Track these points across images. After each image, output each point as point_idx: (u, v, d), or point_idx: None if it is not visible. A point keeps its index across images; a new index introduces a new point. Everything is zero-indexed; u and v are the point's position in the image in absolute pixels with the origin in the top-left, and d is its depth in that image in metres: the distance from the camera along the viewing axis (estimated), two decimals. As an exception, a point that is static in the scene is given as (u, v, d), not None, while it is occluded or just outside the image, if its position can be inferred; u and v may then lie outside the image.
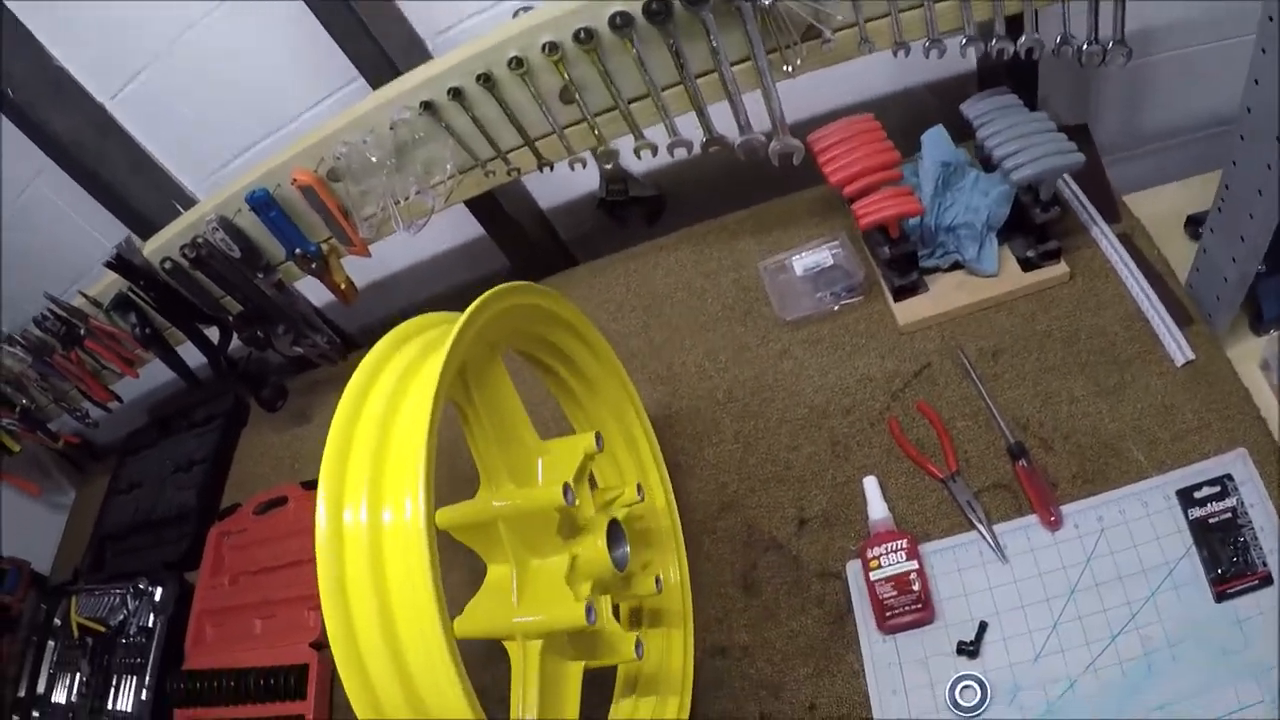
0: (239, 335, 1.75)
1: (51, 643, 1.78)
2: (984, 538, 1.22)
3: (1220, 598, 1.08)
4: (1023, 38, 1.28)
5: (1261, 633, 1.05)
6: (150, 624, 1.70)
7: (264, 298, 1.67)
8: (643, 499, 1.24)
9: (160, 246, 1.64)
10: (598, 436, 1.14)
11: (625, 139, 1.48)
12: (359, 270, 1.75)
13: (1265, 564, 1.08)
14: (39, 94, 1.66)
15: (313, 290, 1.78)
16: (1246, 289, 1.25)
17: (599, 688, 1.10)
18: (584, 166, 1.53)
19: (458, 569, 1.08)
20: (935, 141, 1.45)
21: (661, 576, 1.25)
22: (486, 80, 1.39)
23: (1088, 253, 1.42)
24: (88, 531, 2.06)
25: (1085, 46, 1.24)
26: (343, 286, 1.71)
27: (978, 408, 1.34)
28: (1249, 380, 1.25)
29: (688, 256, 1.75)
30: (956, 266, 1.46)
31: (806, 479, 1.39)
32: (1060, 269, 1.39)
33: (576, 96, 1.41)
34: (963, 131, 1.44)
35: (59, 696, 1.72)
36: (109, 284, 1.73)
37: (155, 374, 2.01)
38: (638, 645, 1.07)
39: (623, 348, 1.59)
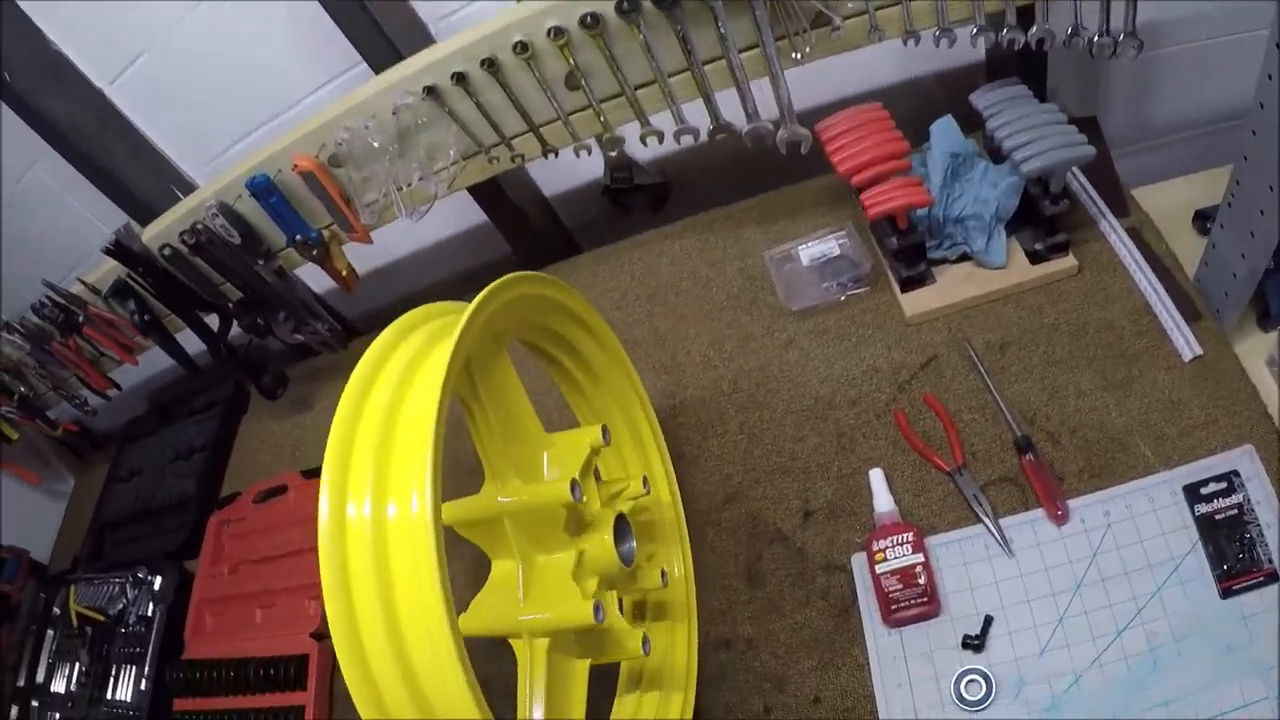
0: (239, 322, 1.76)
1: (51, 632, 1.80)
2: (990, 531, 1.23)
3: (1226, 594, 1.09)
4: (1034, 28, 1.28)
5: (1266, 629, 1.06)
6: (150, 613, 1.71)
7: (264, 284, 1.68)
8: (648, 492, 1.25)
9: (159, 233, 1.65)
10: (604, 430, 1.15)
11: (631, 126, 1.48)
12: (360, 257, 1.76)
13: (1271, 561, 1.10)
14: (37, 79, 1.66)
15: (314, 277, 1.80)
16: (1255, 285, 1.26)
17: (600, 682, 1.11)
18: (589, 154, 1.53)
19: (456, 559, 1.08)
20: (944, 132, 1.45)
21: (666, 570, 1.26)
22: (491, 65, 1.39)
23: (1096, 246, 1.43)
24: (87, 520, 2.08)
25: (1096, 38, 1.25)
26: (344, 273, 1.72)
27: (984, 400, 1.35)
28: (1256, 377, 1.26)
29: (693, 245, 1.76)
30: (964, 258, 1.47)
31: (812, 470, 1.40)
32: (1068, 262, 1.40)
33: (582, 82, 1.42)
34: (971, 122, 1.44)
35: (58, 686, 1.74)
36: (108, 271, 1.74)
37: (155, 361, 2.03)
38: (645, 642, 1.08)
39: (626, 336, 1.60)
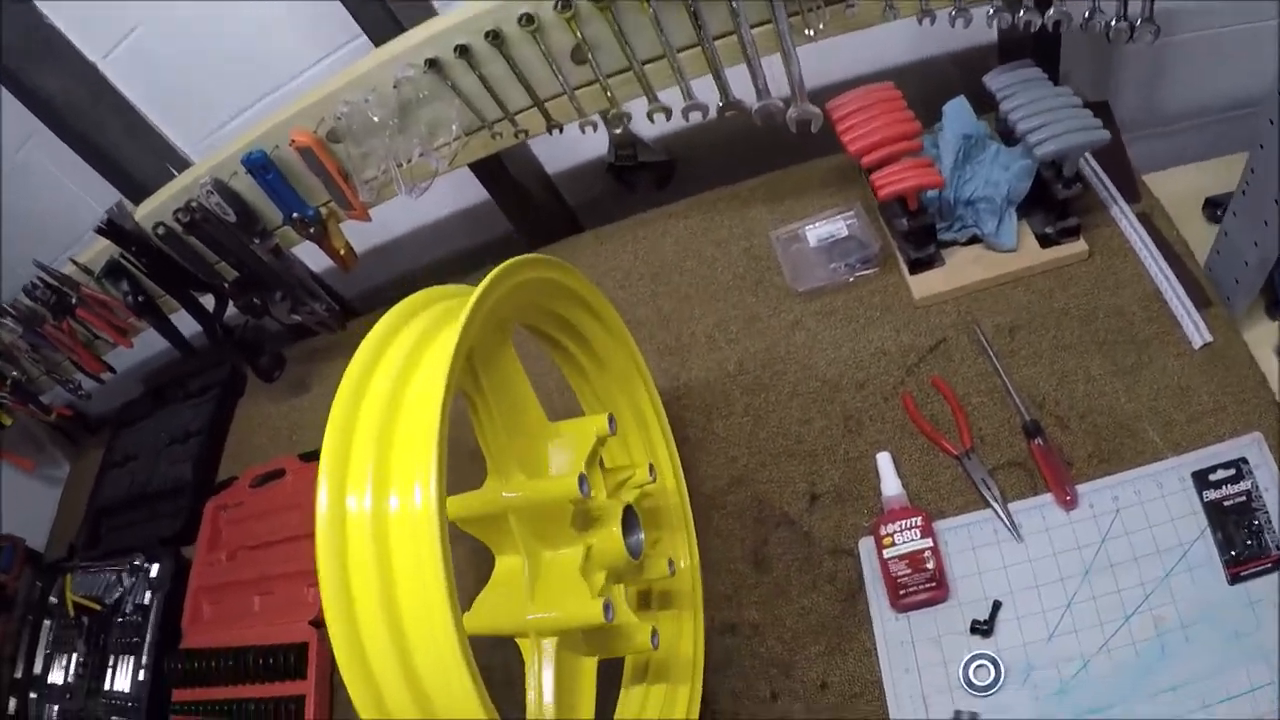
0: (235, 303, 1.77)
1: (48, 622, 1.82)
2: (999, 516, 1.26)
3: (1234, 580, 1.13)
4: (1051, 10, 1.30)
5: (1274, 615, 1.10)
6: (146, 601, 1.73)
7: (260, 263, 1.69)
8: (654, 480, 1.27)
9: (153, 211, 1.67)
10: (611, 419, 1.15)
11: (637, 102, 1.49)
12: (358, 235, 1.77)
13: (1278, 547, 1.13)
14: (29, 53, 1.67)
15: (311, 256, 1.81)
16: (1267, 273, 1.29)
17: (603, 672, 1.12)
18: (594, 130, 1.54)
19: (456, 544, 1.06)
20: (957, 113, 1.47)
21: (673, 559, 1.28)
22: (495, 37, 1.40)
23: (1106, 231, 1.45)
24: (83, 506, 2.10)
25: (1114, 22, 1.26)
26: (342, 252, 1.73)
27: (993, 384, 1.38)
28: (1265, 364, 1.30)
29: (698, 224, 1.78)
30: (974, 240, 1.49)
31: (818, 454, 1.43)
32: (1079, 246, 1.43)
33: (589, 56, 1.43)
34: (982, 103, 1.47)
35: (56, 677, 1.76)
36: (100, 250, 1.76)
37: (149, 343, 2.04)
38: (653, 635, 1.09)
39: (630, 317, 1.61)
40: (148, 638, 1.69)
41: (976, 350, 1.42)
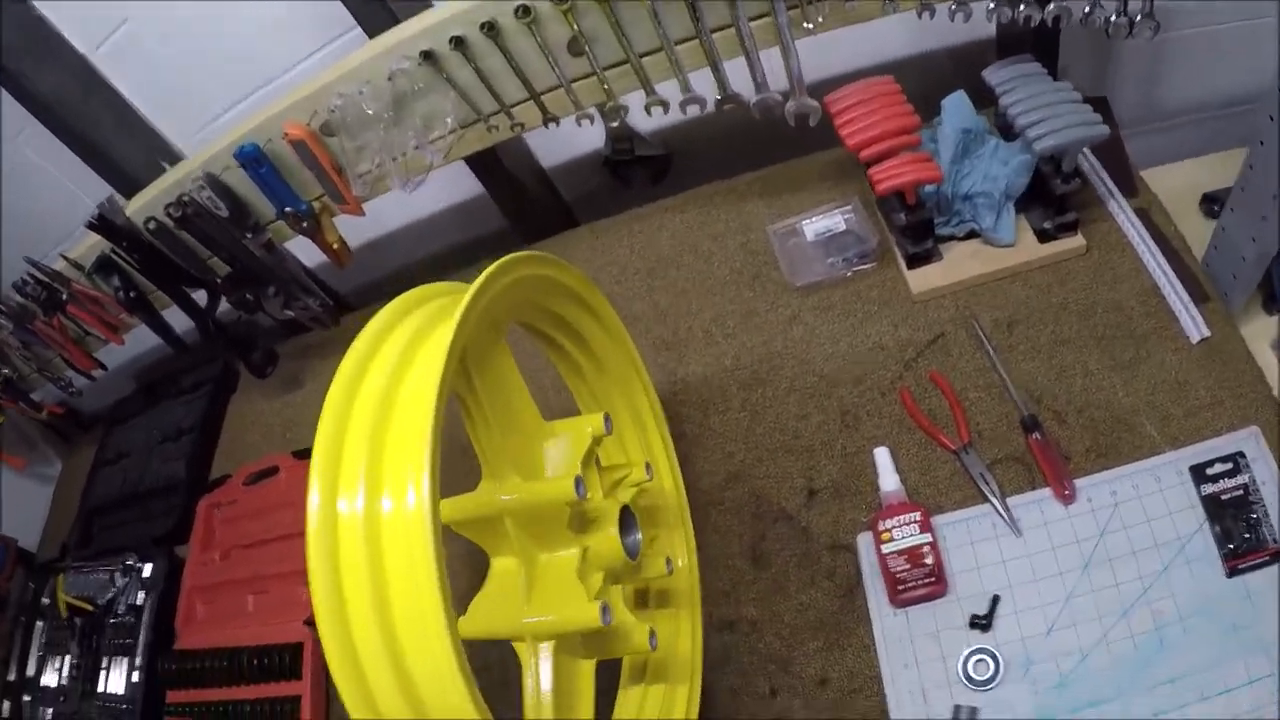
0: (227, 298, 1.77)
1: (40, 623, 1.82)
2: (997, 510, 1.27)
3: (1232, 573, 1.15)
4: (1051, 5, 1.30)
5: (1272, 607, 1.12)
6: (139, 602, 1.74)
7: (253, 259, 1.70)
8: (651, 478, 1.27)
9: (144, 205, 1.67)
10: (606, 418, 1.15)
11: (635, 95, 1.50)
12: (352, 230, 1.78)
13: (1276, 540, 1.15)
14: (19, 46, 1.66)
15: (304, 251, 1.82)
16: (1264, 269, 1.31)
17: (601, 672, 1.12)
18: (591, 123, 1.55)
19: (450, 542, 1.03)
20: (957, 107, 1.49)
21: (671, 557, 1.29)
22: (491, 29, 1.41)
23: (1104, 226, 1.47)
24: (75, 505, 2.10)
25: (1114, 18, 1.27)
26: (335, 247, 1.73)
27: (991, 379, 1.39)
28: (1262, 359, 1.32)
29: (694, 218, 1.79)
30: (972, 235, 1.51)
31: (816, 449, 1.44)
32: (1077, 241, 1.44)
33: (586, 48, 1.43)
34: (981, 98, 1.48)
35: (49, 679, 1.77)
36: (91, 246, 1.76)
37: (141, 340, 2.04)
38: (651, 636, 1.09)
39: (626, 312, 1.62)
40: (141, 638, 1.69)
41: (974, 345, 1.43)
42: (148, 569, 1.77)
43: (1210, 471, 1.21)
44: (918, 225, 1.47)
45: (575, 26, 1.40)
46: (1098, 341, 1.37)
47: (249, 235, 1.67)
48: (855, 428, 1.43)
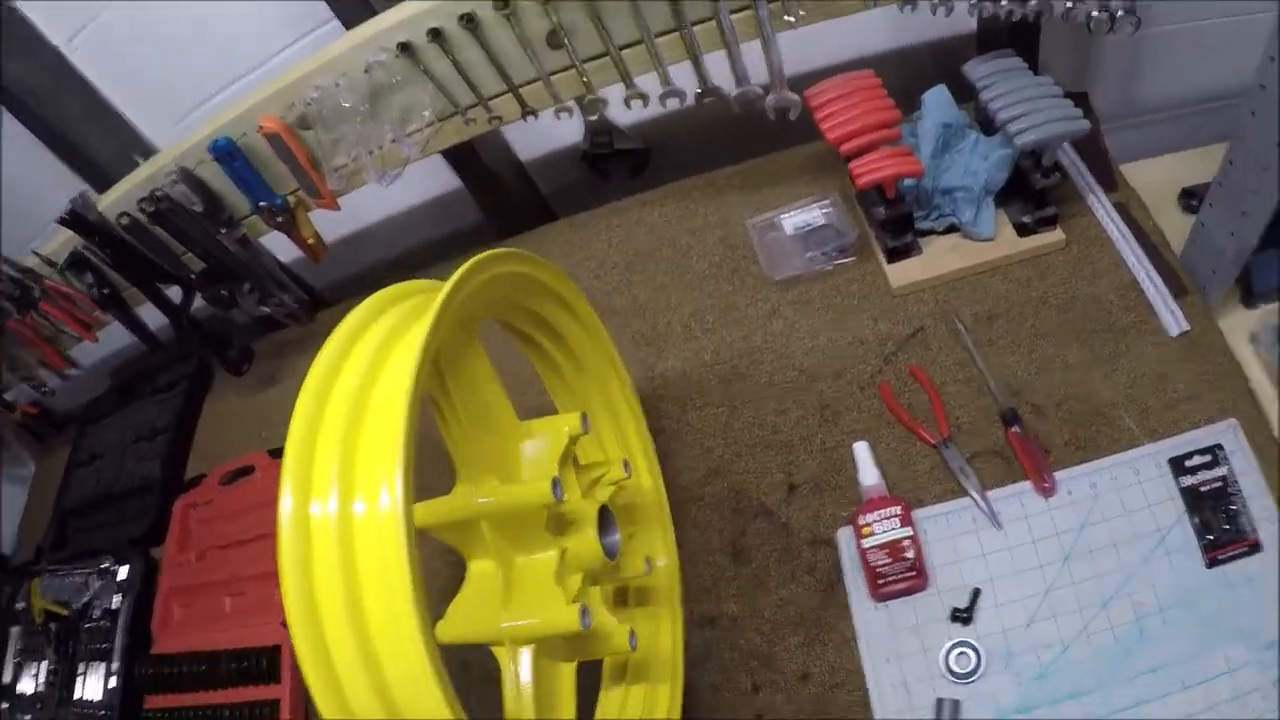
0: (202, 295, 1.76)
1: (15, 629, 1.80)
2: (977, 504, 1.28)
3: (1211, 564, 1.17)
4: (1032, 0, 1.31)
5: (1251, 598, 1.14)
6: (115, 606, 1.71)
7: (227, 254, 1.69)
8: (629, 476, 1.26)
9: (117, 200, 1.66)
10: (583, 417, 1.14)
11: (614, 88, 1.50)
12: (328, 224, 1.77)
13: (1255, 531, 1.17)
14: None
15: (279, 246, 1.81)
16: (1243, 263, 1.32)
17: (581, 673, 1.10)
18: (570, 116, 1.55)
19: (428, 543, 1.01)
20: (937, 102, 1.50)
21: (650, 556, 1.28)
22: (469, 21, 1.40)
23: (1084, 221, 1.48)
24: (50, 507, 2.07)
25: (1094, 13, 1.28)
26: (310, 242, 1.73)
27: (970, 373, 1.40)
28: (1239, 352, 1.34)
29: (673, 212, 1.79)
30: (952, 229, 1.52)
31: (795, 444, 1.44)
32: (1056, 235, 1.46)
33: (565, 41, 1.43)
34: (961, 93, 1.49)
35: (26, 686, 1.74)
36: (64, 242, 1.74)
37: (115, 337, 2.03)
38: (631, 636, 1.08)
39: (604, 306, 1.63)
40: (117, 643, 1.67)
41: (954, 339, 1.44)
42: (123, 572, 1.75)
43: (1189, 464, 1.23)
44: (897, 219, 1.48)
45: (554, 18, 1.40)
46: (1077, 335, 1.38)
47: (223, 230, 1.66)
48: (835, 422, 1.44)
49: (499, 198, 1.99)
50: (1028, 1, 1.31)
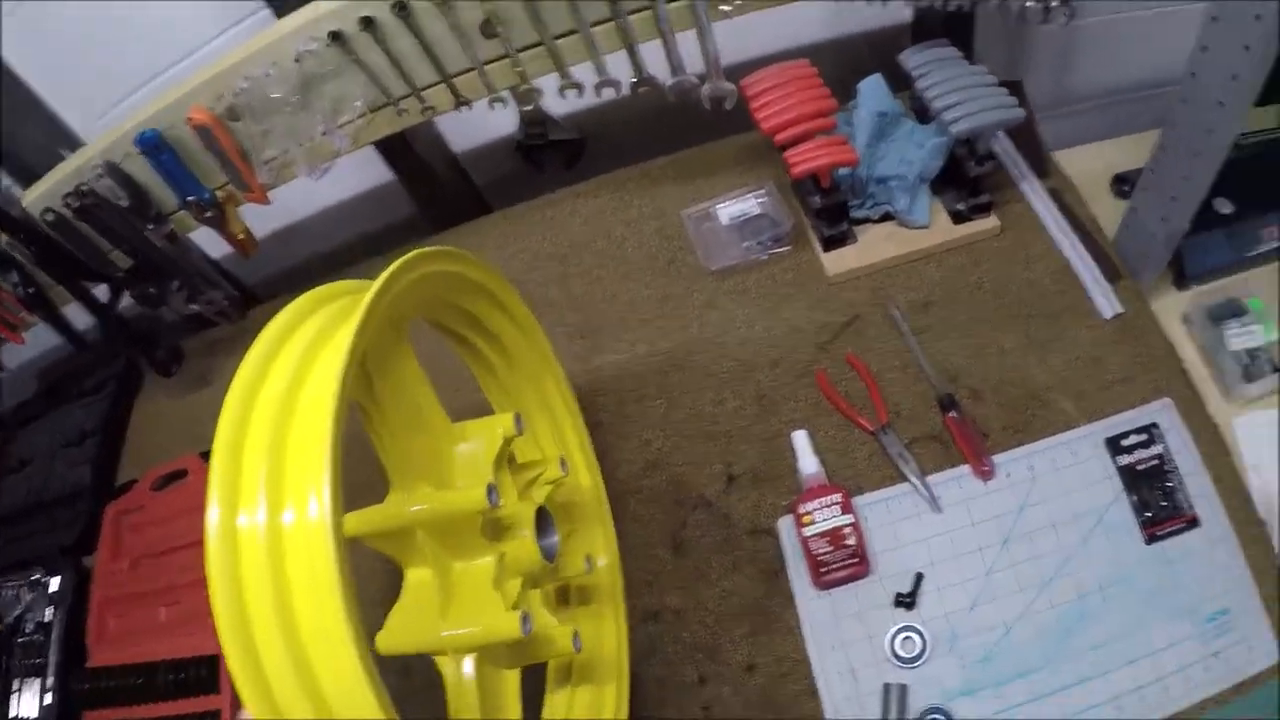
0: (130, 293, 1.69)
1: (-52, 647, 1.71)
2: (917, 489, 1.28)
3: (1151, 540, 1.18)
4: None
5: (1190, 573, 1.16)
6: (48, 619, 1.63)
7: (155, 251, 1.62)
8: (566, 474, 1.23)
9: (41, 195, 1.58)
10: (517, 418, 1.10)
11: (549, 78, 1.47)
12: (259, 219, 1.71)
13: (1191, 507, 1.19)
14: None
15: (209, 242, 1.75)
16: (1174, 247, 1.33)
17: (526, 676, 1.07)
18: (504, 106, 1.52)
19: (370, 561, 1.03)
20: (873, 91, 1.49)
21: (591, 555, 1.25)
22: (402, 10, 1.36)
23: (1018, 207, 1.49)
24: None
25: (1029, 4, 1.28)
26: (240, 237, 1.67)
27: (907, 360, 1.40)
28: (1172, 333, 1.36)
29: (608, 204, 1.77)
30: (887, 218, 1.51)
31: (734, 434, 1.42)
32: (991, 222, 1.46)
33: (499, 30, 1.39)
34: (896, 82, 1.49)
35: (-40, 706, 1.66)
36: (-14, 240, 1.66)
37: (43, 338, 1.96)
38: (575, 638, 1.06)
39: (539, 299, 1.61)
40: (51, 657, 1.58)
41: (890, 326, 1.44)
42: (55, 583, 1.66)
43: (1125, 443, 1.25)
44: (833, 208, 1.47)
45: (489, 7, 1.36)
46: (1012, 320, 1.39)
47: (151, 226, 1.59)
48: (773, 411, 1.42)
49: (432, 190, 1.95)
50: (965, -9, 1.31)
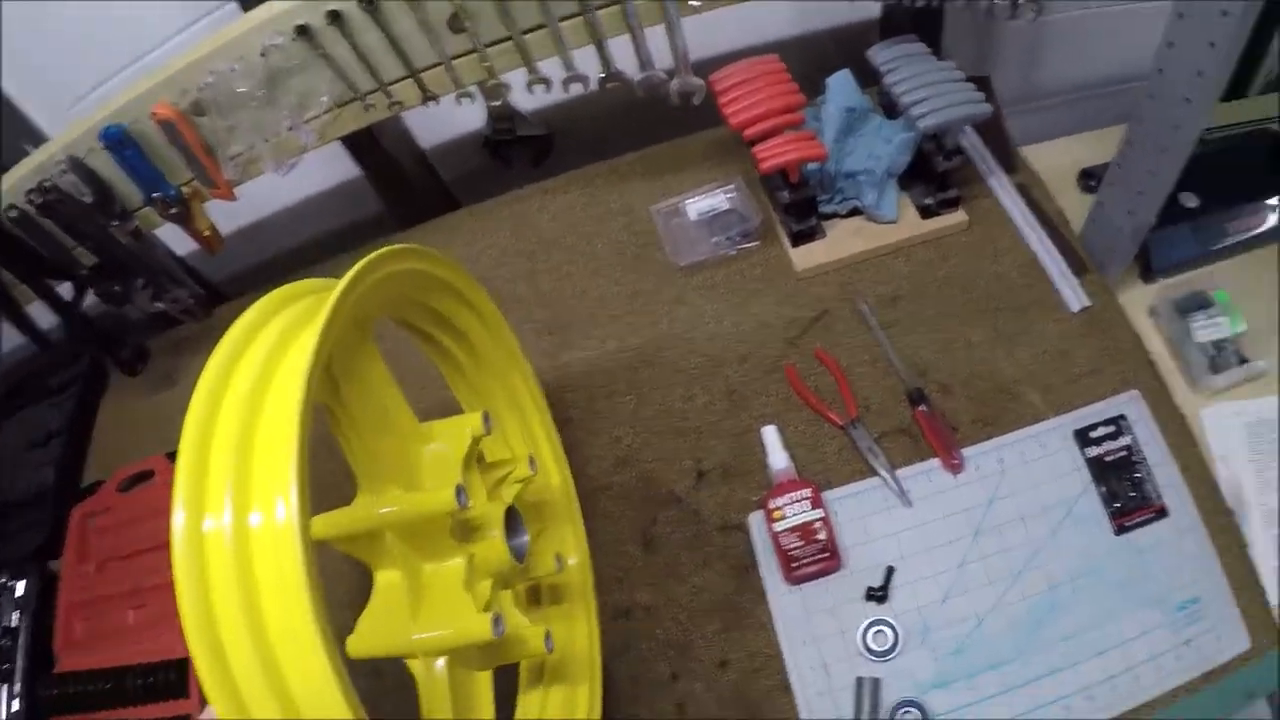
0: (94, 291, 1.66)
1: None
2: (887, 483, 1.27)
3: (1120, 531, 1.19)
4: None
5: (1159, 563, 1.16)
6: (14, 624, 1.59)
7: (120, 248, 1.59)
8: (535, 472, 1.22)
9: (4, 192, 1.54)
10: (485, 417, 1.08)
11: (516, 74, 1.45)
12: (225, 216, 1.67)
13: (1160, 497, 1.20)
14: None
15: (175, 239, 1.72)
16: (1141, 241, 1.33)
17: (498, 676, 1.06)
18: (472, 101, 1.49)
19: (342, 564, 1.00)
20: (841, 86, 1.48)
21: (561, 554, 1.24)
22: (369, 4, 1.33)
23: (986, 202, 1.49)
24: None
25: (997, 0, 1.28)
26: (206, 234, 1.63)
27: (876, 354, 1.39)
28: (1139, 326, 1.36)
29: (576, 199, 1.75)
30: (855, 213, 1.50)
31: (703, 430, 1.41)
32: (959, 217, 1.46)
33: (467, 25, 1.37)
34: (865, 78, 1.48)
35: (-72, 715, 1.61)
36: (-52, 238, 1.62)
37: (7, 337, 1.89)
38: (547, 639, 1.04)
39: (507, 295, 1.59)
40: (18, 663, 1.54)
41: (859, 321, 1.43)
42: (20, 587, 1.62)
43: (1094, 435, 1.25)
44: (801, 203, 1.46)
45: (457, 2, 1.34)
46: (980, 314, 1.38)
47: (116, 223, 1.56)
48: (742, 407, 1.41)
49: (399, 186, 1.93)
50: (932, -13, 1.30)
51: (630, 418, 1.46)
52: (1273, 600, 1.16)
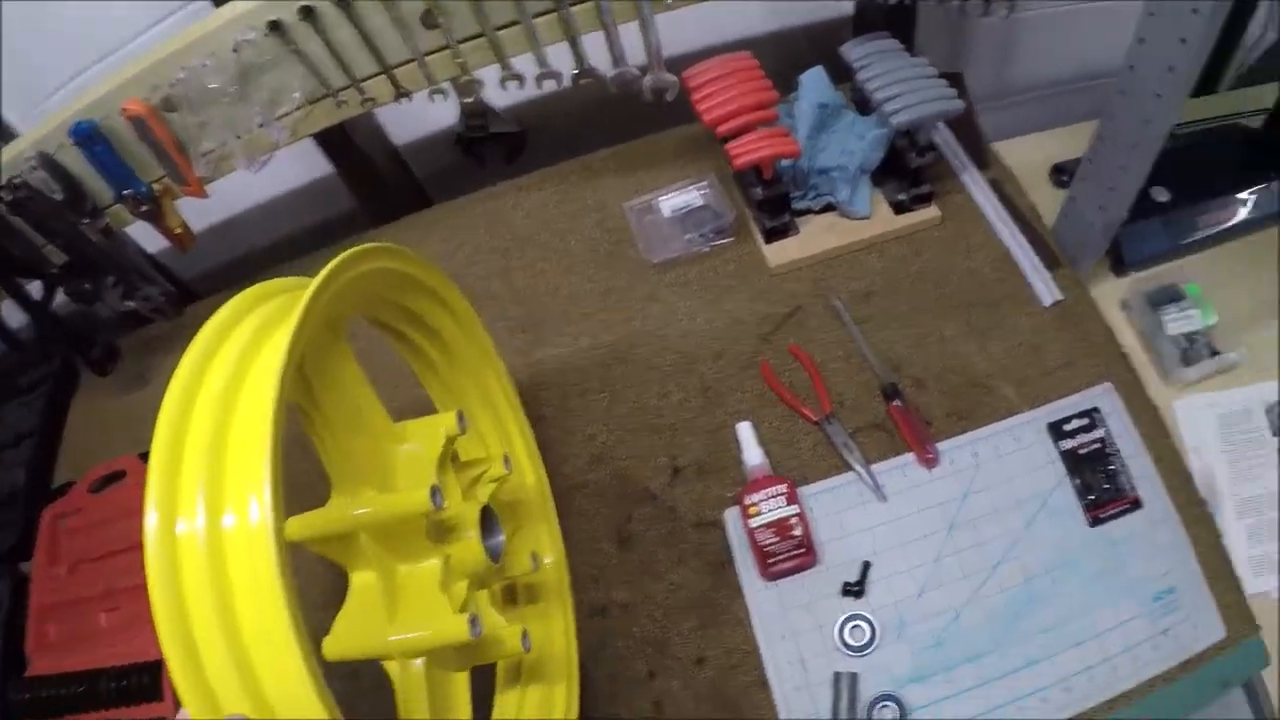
0: (64, 289, 1.62)
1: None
2: (862, 478, 1.26)
3: (1095, 523, 1.19)
4: None
5: (1134, 553, 1.17)
6: None
7: (90, 245, 1.56)
8: (510, 471, 1.20)
9: (-28, 189, 1.52)
10: (460, 416, 1.07)
11: (490, 70, 1.43)
12: (197, 213, 1.65)
13: (1134, 489, 1.20)
14: None
15: (146, 237, 1.69)
16: (1112, 235, 1.34)
17: (475, 677, 1.04)
18: (445, 98, 1.47)
19: (318, 565, 0.99)
20: (814, 82, 1.47)
21: (537, 553, 1.22)
22: (342, -1, 1.33)
23: (959, 198, 1.49)
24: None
25: None
26: (178, 231, 1.61)
27: (850, 349, 1.38)
28: (1112, 319, 1.37)
29: (550, 196, 1.73)
30: (829, 209, 1.49)
31: (678, 427, 1.40)
32: (932, 212, 1.45)
33: (440, 21, 1.36)
34: (838, 74, 1.47)
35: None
36: (-85, 234, 1.59)
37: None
38: (524, 638, 1.04)
39: (481, 293, 1.58)
40: (-11, 670, 1.53)
41: (832, 316, 1.42)
42: (-10, 592, 1.60)
43: (1067, 428, 1.25)
44: (774, 199, 1.45)
45: (430, -2, 1.33)
46: (954, 309, 1.38)
47: (86, 220, 1.53)
48: (717, 403, 1.40)
49: (372, 183, 1.90)
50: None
51: (604, 415, 1.45)
52: (1247, 589, 1.16)
